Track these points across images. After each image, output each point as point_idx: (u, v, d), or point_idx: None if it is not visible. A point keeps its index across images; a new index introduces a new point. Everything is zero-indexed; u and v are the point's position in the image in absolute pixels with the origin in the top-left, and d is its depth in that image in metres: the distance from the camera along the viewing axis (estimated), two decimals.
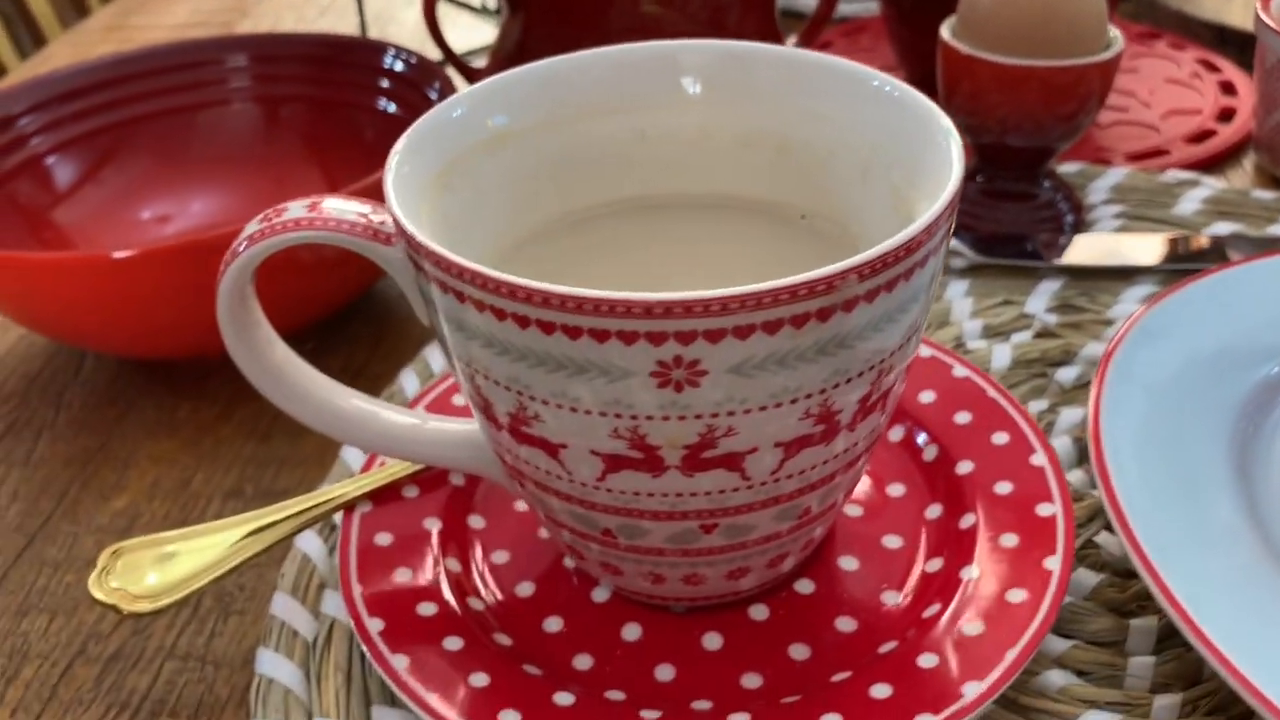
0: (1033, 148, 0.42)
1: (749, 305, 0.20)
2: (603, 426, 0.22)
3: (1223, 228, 0.44)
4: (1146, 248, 0.42)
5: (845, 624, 0.27)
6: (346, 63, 0.47)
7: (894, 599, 0.28)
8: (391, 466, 0.31)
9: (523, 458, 0.24)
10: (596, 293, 0.20)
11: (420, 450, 0.28)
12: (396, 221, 0.23)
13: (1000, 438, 0.30)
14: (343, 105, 0.47)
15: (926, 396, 0.32)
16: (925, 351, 0.34)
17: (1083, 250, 0.42)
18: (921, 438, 0.32)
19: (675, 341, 0.20)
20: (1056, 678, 0.27)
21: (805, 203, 0.29)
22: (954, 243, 0.42)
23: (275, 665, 0.28)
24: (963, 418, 0.31)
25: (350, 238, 0.24)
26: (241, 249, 0.25)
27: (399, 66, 0.46)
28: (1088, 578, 0.29)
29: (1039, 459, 0.29)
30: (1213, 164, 0.51)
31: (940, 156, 0.24)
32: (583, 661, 0.27)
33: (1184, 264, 0.41)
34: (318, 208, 0.25)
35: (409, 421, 0.28)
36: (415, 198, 0.25)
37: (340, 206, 0.25)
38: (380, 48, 0.46)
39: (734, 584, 0.27)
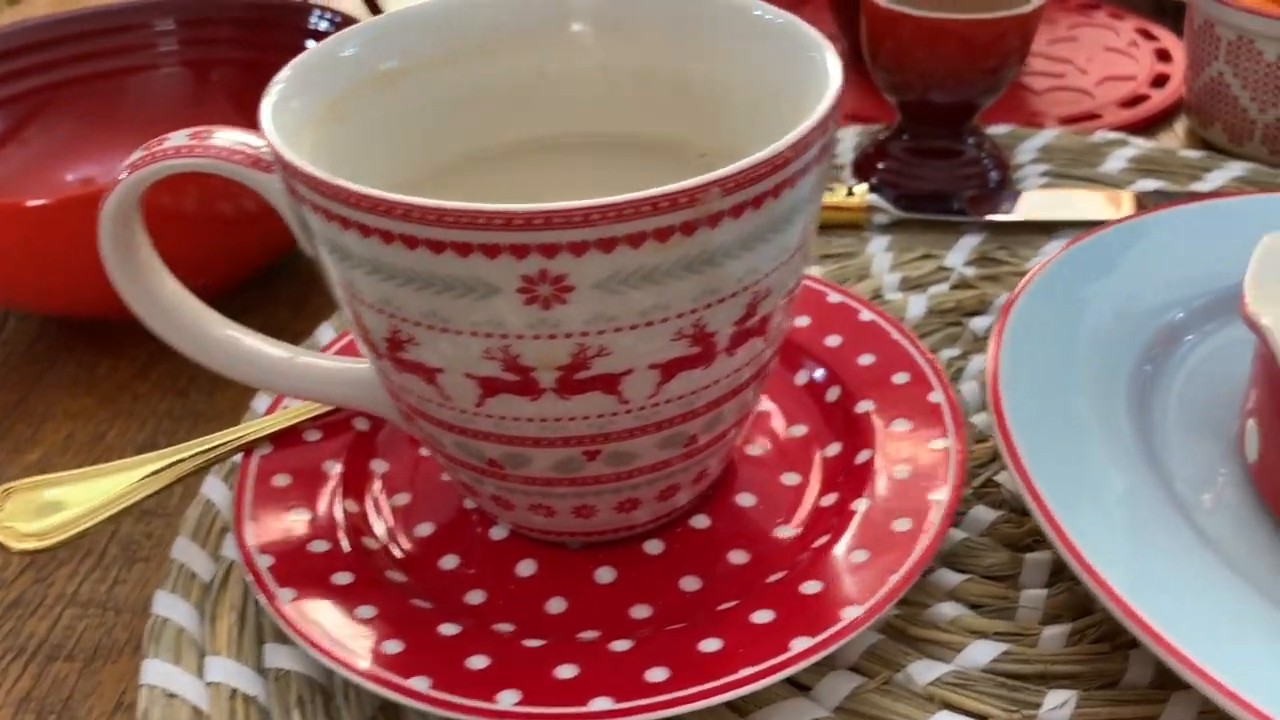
0: (956, 103, 0.42)
1: (610, 217, 0.20)
2: (475, 347, 0.22)
3: (1147, 185, 0.44)
4: (1091, 205, 0.42)
5: (738, 556, 0.27)
6: (275, 24, 0.47)
7: (788, 532, 0.28)
8: (293, 409, 0.31)
9: (405, 387, 0.24)
10: (458, 205, 0.20)
11: (312, 387, 0.27)
12: (270, 144, 0.23)
13: (901, 378, 0.31)
14: (271, 67, 0.47)
15: (832, 340, 0.32)
16: (834, 298, 0.34)
17: (1028, 207, 0.42)
18: (825, 379, 0.32)
19: (539, 255, 0.20)
20: (948, 609, 0.27)
21: (704, 140, 0.29)
22: (876, 199, 0.42)
23: (171, 606, 0.28)
24: (866, 359, 0.31)
25: (230, 165, 0.24)
26: (122, 176, 0.24)
27: (325, 26, 0.45)
28: (986, 514, 0.30)
29: (936, 397, 0.30)
30: (1144, 127, 0.51)
31: (819, 77, 0.24)
32: (475, 596, 0.27)
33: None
34: (200, 136, 0.25)
35: (301, 360, 0.27)
36: (299, 126, 0.25)
37: (225, 136, 0.25)
38: (307, 9, 0.46)
39: (626, 517, 0.27)
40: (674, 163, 0.29)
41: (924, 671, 0.25)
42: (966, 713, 0.25)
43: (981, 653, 0.26)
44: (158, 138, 0.25)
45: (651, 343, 0.22)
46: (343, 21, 0.45)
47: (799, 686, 0.25)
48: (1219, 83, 0.47)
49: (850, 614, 0.24)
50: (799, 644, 0.23)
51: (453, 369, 0.23)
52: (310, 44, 0.46)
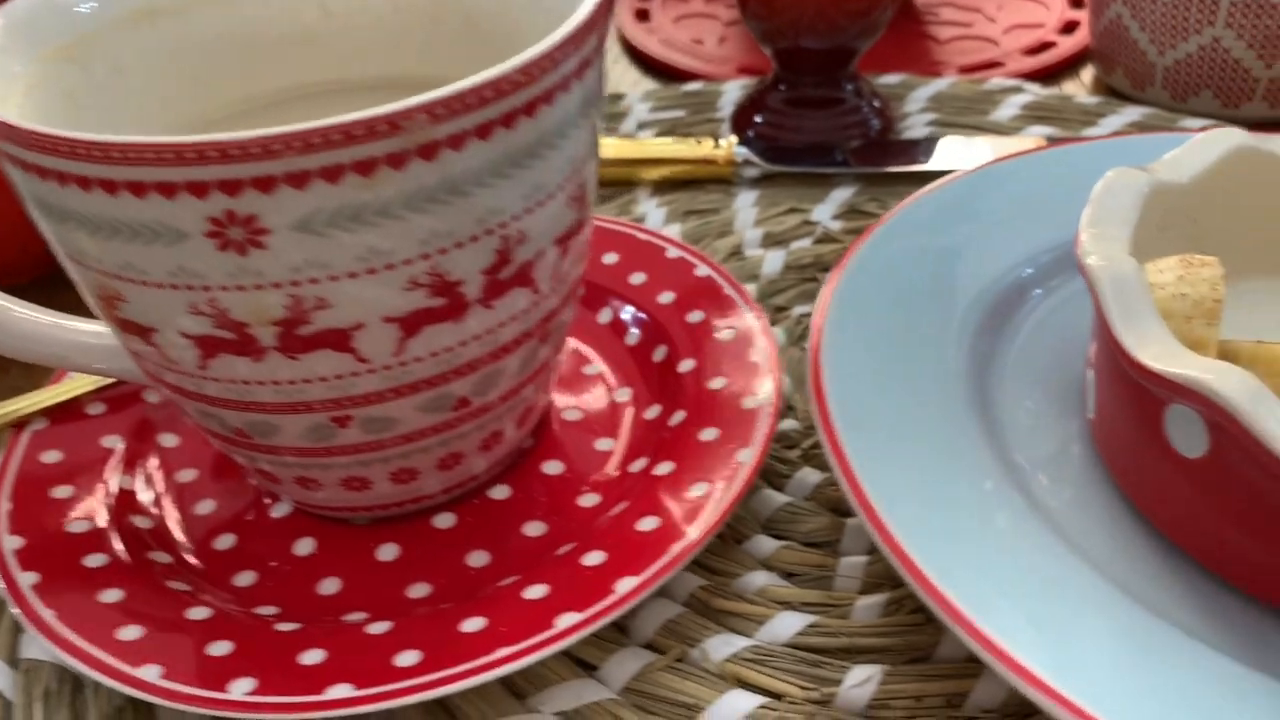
0: (830, 49, 0.40)
1: (296, 147, 0.18)
2: (178, 301, 0.20)
3: (1038, 131, 0.42)
4: (987, 150, 0.40)
5: (533, 529, 0.25)
6: None
7: (591, 501, 0.26)
8: (71, 382, 0.29)
9: (133, 350, 0.22)
10: (123, 139, 0.18)
11: (59, 352, 0.25)
12: None
13: (726, 334, 0.28)
14: None
15: (665, 297, 0.30)
16: (673, 253, 0.32)
17: (941, 156, 0.40)
18: (654, 337, 0.29)
19: (221, 193, 0.18)
20: (760, 579, 0.25)
21: None
22: (744, 151, 0.40)
23: None
24: (695, 316, 0.29)
25: None
26: None
27: None
28: (812, 477, 0.27)
29: (757, 354, 0.27)
30: (1049, 75, 0.49)
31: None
32: (244, 578, 0.25)
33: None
34: None
35: (48, 320, 0.25)
36: (9, 72, 0.22)
37: None
38: None
39: (408, 489, 0.25)
40: None
41: (720, 647, 0.23)
42: (761, 690, 0.23)
43: (786, 625, 0.24)
44: None
45: (380, 293, 0.20)
46: None
47: (585, 665, 0.23)
48: (1118, 25, 0.45)
49: (624, 586, 0.22)
50: (565, 620, 0.21)
51: (165, 327, 0.20)
52: None
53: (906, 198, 0.31)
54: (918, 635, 0.23)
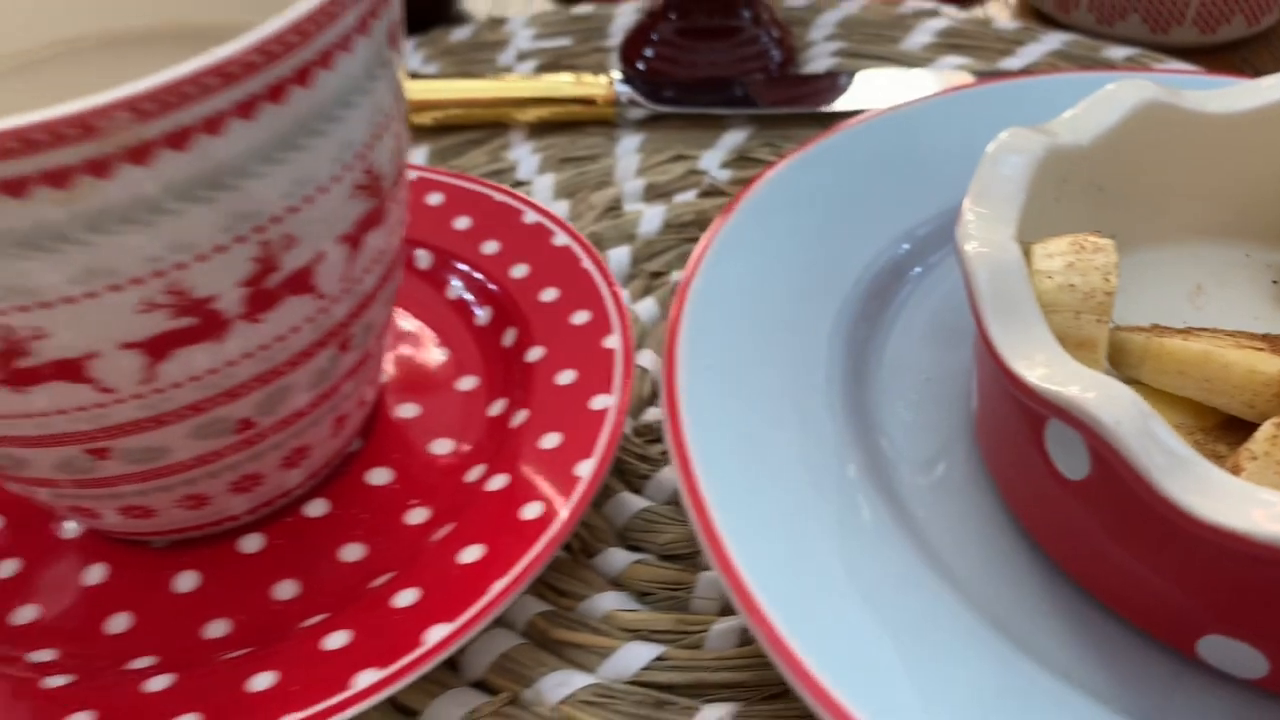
0: None
1: None
2: None
3: (952, 62, 0.38)
4: (897, 86, 0.36)
5: (351, 552, 0.22)
6: None
7: (419, 517, 0.23)
8: None
9: None
10: None
11: None
12: None
13: (580, 316, 0.25)
14: None
15: (519, 270, 0.27)
16: (531, 217, 0.28)
17: (849, 95, 0.36)
18: (502, 320, 0.26)
19: None
20: (608, 601, 0.23)
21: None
22: (627, 90, 0.36)
23: None
24: (549, 295, 0.26)
25: None
26: None
27: None
28: (674, 477, 0.25)
29: (612, 341, 0.24)
30: None
31: None
32: (24, 614, 0.22)
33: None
34: None
35: None
36: None
37: None
38: None
39: (204, 513, 0.22)
40: None
41: (557, 687, 0.21)
42: None
43: (632, 658, 0.21)
44: None
45: (109, 318, 0.17)
46: None
47: (405, 711, 0.21)
48: None
49: (434, 636, 0.19)
50: (364, 679, 0.19)
51: None
52: None
53: (788, 152, 0.28)
54: (772, 670, 0.21)
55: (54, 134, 0.14)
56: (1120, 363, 0.22)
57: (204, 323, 0.17)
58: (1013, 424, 0.20)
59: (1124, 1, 0.39)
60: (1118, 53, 0.38)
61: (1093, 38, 0.40)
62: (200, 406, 0.19)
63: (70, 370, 0.17)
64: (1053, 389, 0.18)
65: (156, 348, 0.17)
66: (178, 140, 0.15)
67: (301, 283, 0.18)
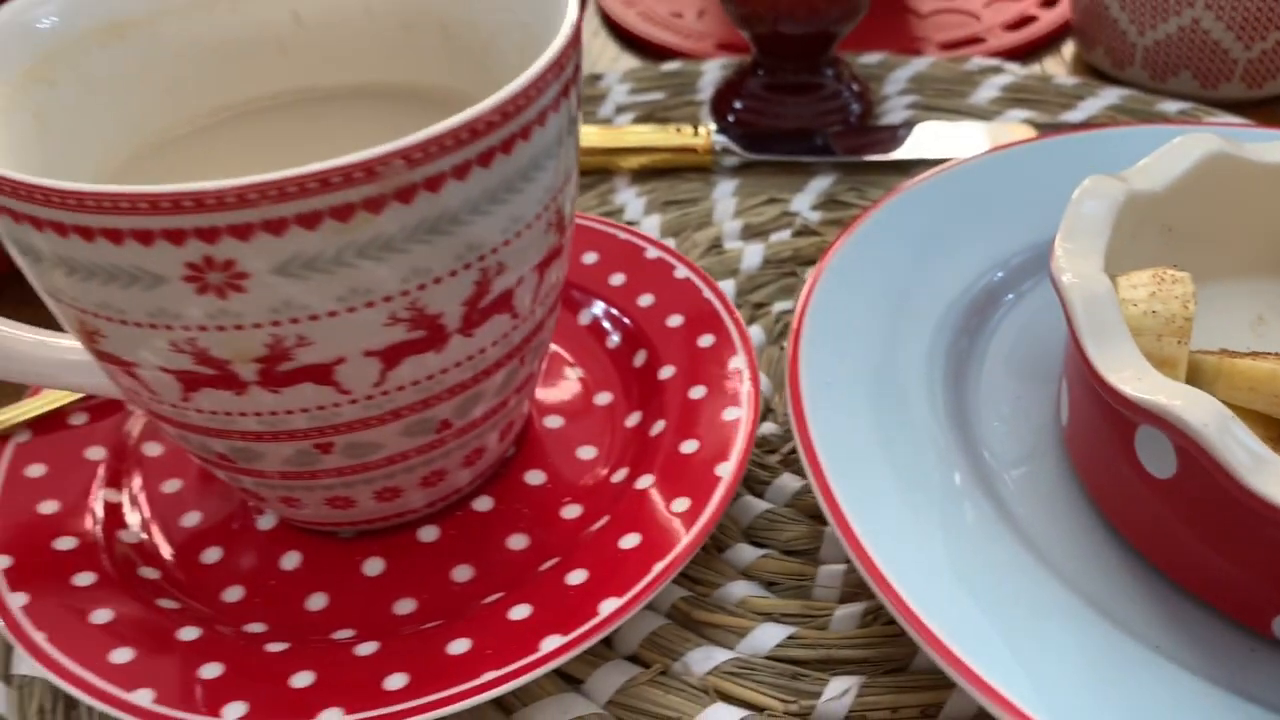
0: (811, 34, 0.40)
1: (272, 196, 0.18)
2: (158, 340, 0.20)
3: (1017, 115, 0.42)
4: (968, 139, 0.40)
5: (517, 542, 0.26)
6: None
7: (572, 513, 0.26)
8: (53, 392, 0.29)
9: (114, 379, 0.22)
10: (98, 189, 0.17)
11: (42, 371, 0.25)
12: None
13: (706, 340, 0.29)
14: None
15: (645, 300, 0.30)
16: (652, 253, 0.32)
17: (920, 143, 0.39)
18: (633, 342, 0.30)
19: (199, 240, 0.18)
20: (740, 589, 0.26)
21: (475, 89, 0.26)
22: (724, 140, 0.39)
23: None
24: (674, 320, 0.30)
25: None
26: None
27: None
28: (791, 483, 0.28)
29: (738, 361, 0.28)
30: (1030, 51, 0.49)
31: (562, 20, 0.21)
32: (232, 594, 0.25)
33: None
34: None
35: (31, 339, 0.25)
36: None
37: None
38: None
39: (392, 505, 0.25)
40: (444, 112, 0.27)
41: (703, 660, 0.24)
42: (742, 704, 0.23)
43: (766, 637, 0.24)
44: None
45: (359, 330, 0.20)
46: None
47: (571, 680, 0.24)
48: (1099, 4, 0.44)
49: (607, 607, 0.22)
50: (549, 643, 0.22)
51: (146, 363, 0.20)
52: None
53: (883, 195, 0.31)
54: (893, 647, 0.24)
55: (345, 176, 0.18)
56: (1196, 381, 0.24)
57: (430, 335, 0.21)
58: (1105, 431, 0.23)
59: (1176, 59, 0.43)
60: (1171, 107, 0.41)
61: (1147, 92, 0.43)
62: (414, 407, 0.22)
63: (320, 374, 0.21)
64: (1146, 397, 0.21)
65: (391, 356, 0.21)
66: (434, 184, 0.19)
67: (505, 303, 0.22)
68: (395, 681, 0.22)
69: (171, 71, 0.26)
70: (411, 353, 0.21)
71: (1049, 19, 0.50)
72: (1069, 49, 0.49)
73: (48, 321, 0.25)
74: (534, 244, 0.22)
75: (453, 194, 0.19)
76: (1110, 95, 0.42)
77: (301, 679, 0.22)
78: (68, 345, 0.26)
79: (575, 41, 0.21)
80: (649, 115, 0.43)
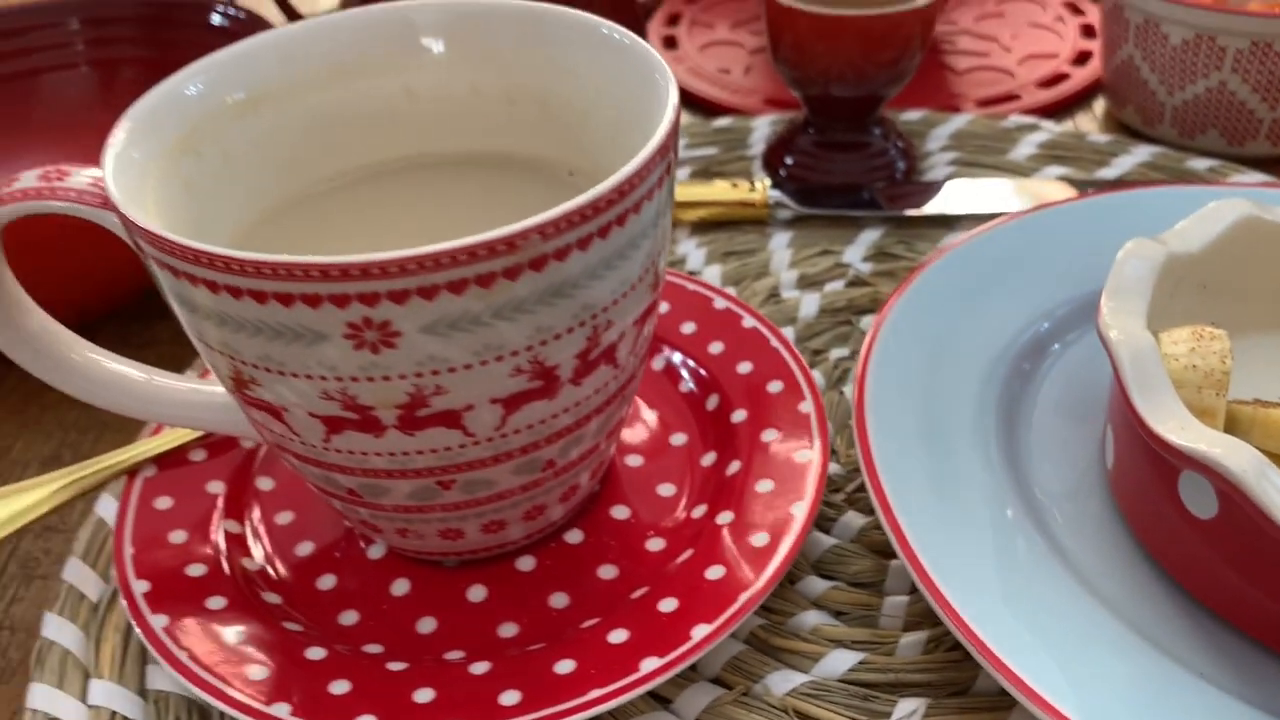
0: (860, 96, 0.42)
1: (429, 266, 0.20)
2: (312, 389, 0.22)
3: (1053, 171, 0.44)
4: (1004, 195, 0.42)
5: (606, 572, 0.28)
6: (176, 22, 0.46)
7: (656, 545, 0.28)
8: (178, 430, 0.31)
9: (257, 420, 0.25)
10: (277, 259, 0.20)
11: (173, 411, 0.28)
12: (106, 190, 0.23)
13: (775, 386, 0.31)
14: (176, 65, 0.47)
15: (715, 347, 0.33)
16: (720, 304, 0.34)
17: (940, 198, 0.42)
18: (705, 387, 0.32)
19: (360, 304, 0.20)
20: (812, 618, 0.28)
21: (572, 159, 0.29)
22: (778, 194, 0.42)
23: (59, 628, 0.28)
24: (744, 367, 0.32)
25: (83, 207, 0.24)
26: None
27: (227, 23, 0.45)
28: (856, 520, 0.30)
29: (806, 406, 0.30)
30: (1063, 108, 0.52)
31: (658, 104, 0.24)
32: (348, 617, 0.27)
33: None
34: (51, 177, 0.25)
35: (160, 383, 0.28)
36: (143, 167, 0.25)
37: (79, 177, 0.25)
38: (207, 5, 0.46)
39: (495, 537, 0.27)
40: (545, 181, 0.30)
41: (781, 682, 0.26)
42: None
43: (839, 662, 0.27)
44: (8, 177, 0.25)
45: (489, 380, 0.22)
46: (248, 18, 0.45)
47: (660, 699, 0.26)
48: (1130, 65, 0.47)
49: (699, 633, 0.25)
50: (648, 664, 0.24)
51: (296, 408, 0.23)
52: (216, 41, 0.46)
53: (933, 251, 0.33)
54: (956, 671, 0.26)
55: (490, 249, 0.20)
56: (1232, 430, 0.27)
57: (546, 384, 0.23)
58: (1150, 474, 0.26)
59: (1204, 118, 0.45)
60: (1200, 164, 0.44)
61: (1176, 149, 0.45)
62: (526, 449, 0.25)
63: (451, 419, 0.23)
64: (1189, 445, 0.23)
65: (512, 403, 0.23)
66: (561, 254, 0.21)
67: (610, 355, 0.24)
68: (509, 698, 0.24)
69: (296, 141, 0.29)
70: (529, 400, 0.23)
71: (1081, 76, 0.53)
72: (1100, 105, 0.52)
73: (144, 362, 0.28)
74: (636, 302, 0.24)
75: (576, 262, 0.22)
76: (1142, 153, 0.45)
77: (423, 695, 0.24)
78: (183, 386, 0.28)
79: (676, 126, 0.24)
80: (703, 170, 0.46)
